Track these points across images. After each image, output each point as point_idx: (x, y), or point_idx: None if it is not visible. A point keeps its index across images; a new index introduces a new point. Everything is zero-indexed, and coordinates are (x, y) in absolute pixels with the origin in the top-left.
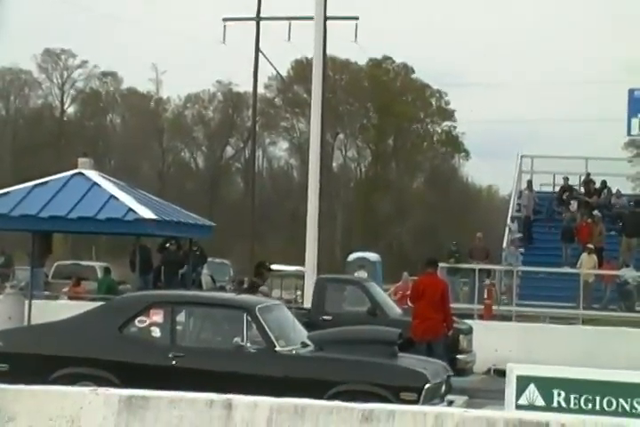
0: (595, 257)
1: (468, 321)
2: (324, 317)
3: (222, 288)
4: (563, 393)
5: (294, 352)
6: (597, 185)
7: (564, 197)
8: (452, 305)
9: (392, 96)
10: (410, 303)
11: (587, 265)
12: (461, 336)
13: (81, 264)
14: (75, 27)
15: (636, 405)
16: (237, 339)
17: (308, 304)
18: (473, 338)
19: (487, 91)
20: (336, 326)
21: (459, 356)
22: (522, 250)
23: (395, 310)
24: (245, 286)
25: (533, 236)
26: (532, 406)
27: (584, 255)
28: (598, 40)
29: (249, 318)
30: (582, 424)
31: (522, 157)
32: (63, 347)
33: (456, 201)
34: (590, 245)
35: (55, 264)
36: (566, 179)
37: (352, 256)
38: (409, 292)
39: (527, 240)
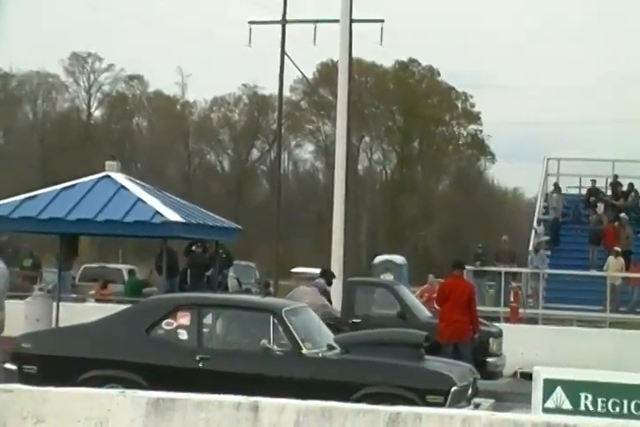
0: (622, 260)
1: (495, 324)
2: (354, 320)
3: (248, 291)
4: (590, 396)
5: (320, 355)
6: (625, 188)
7: (591, 199)
8: (479, 308)
9: (417, 99)
10: (436, 306)
11: (613, 268)
12: (491, 339)
13: (108, 267)
14: (101, 30)
15: None
16: (264, 341)
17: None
18: (503, 341)
19: (513, 93)
20: (365, 328)
21: (489, 359)
22: (548, 253)
23: (424, 312)
24: (271, 289)
25: (560, 239)
26: (559, 410)
27: (611, 258)
28: (623, 39)
29: (275, 321)
30: None
31: (548, 159)
32: (91, 349)
33: (482, 204)
34: (617, 248)
35: (82, 267)
36: (594, 181)
37: (378, 259)
38: (435, 294)
39: (554, 243)
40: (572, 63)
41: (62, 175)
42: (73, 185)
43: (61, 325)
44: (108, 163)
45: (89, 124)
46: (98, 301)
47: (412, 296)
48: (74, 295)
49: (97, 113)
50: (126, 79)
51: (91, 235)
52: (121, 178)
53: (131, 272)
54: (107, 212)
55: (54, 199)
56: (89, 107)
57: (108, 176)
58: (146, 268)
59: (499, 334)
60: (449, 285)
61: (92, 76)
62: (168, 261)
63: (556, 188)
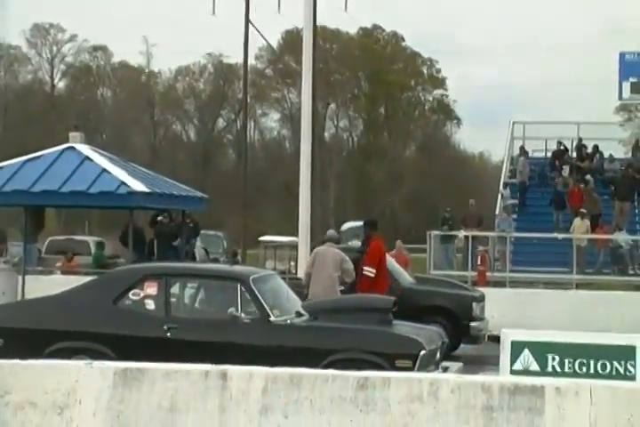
0: (587, 222)
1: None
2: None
3: (216, 260)
4: (557, 358)
5: (289, 322)
6: (589, 150)
7: (557, 162)
8: (448, 272)
9: (383, 65)
10: (371, 268)
11: (579, 230)
12: (474, 304)
13: (74, 239)
14: (63, 0)
15: (629, 367)
16: (232, 309)
17: (300, 274)
18: (485, 305)
19: (477, 57)
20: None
21: (472, 323)
22: (514, 216)
23: (407, 278)
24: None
25: (526, 202)
26: (526, 371)
27: (576, 220)
28: (587, 3)
29: (243, 289)
30: (577, 388)
31: (513, 123)
32: (57, 321)
33: (448, 168)
34: (583, 210)
35: (48, 239)
36: (559, 143)
37: (345, 226)
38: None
39: (521, 206)
40: (535, 25)
41: (26, 147)
42: (37, 157)
43: (27, 297)
44: (71, 134)
45: (52, 96)
46: (64, 273)
47: (393, 262)
48: (40, 268)
49: (60, 84)
50: (90, 50)
51: (56, 206)
52: (85, 149)
53: (99, 245)
54: (71, 183)
55: (18, 171)
56: (52, 78)
57: (72, 147)
58: (113, 240)
59: (481, 299)
60: (381, 246)
61: (54, 48)
62: (136, 233)
63: (522, 151)
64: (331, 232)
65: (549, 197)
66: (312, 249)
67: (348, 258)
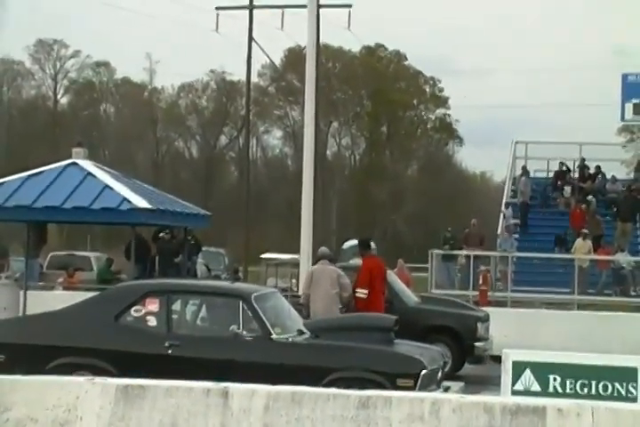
0: (589, 242)
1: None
2: (339, 306)
3: (217, 277)
4: (559, 378)
5: (290, 340)
6: (592, 170)
7: (559, 183)
8: (449, 292)
9: (385, 84)
10: (361, 289)
11: (581, 250)
12: (479, 324)
13: (76, 255)
14: (67, 17)
15: (631, 389)
16: (233, 327)
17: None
18: (490, 325)
19: (480, 78)
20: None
21: (476, 343)
22: (516, 236)
23: (412, 298)
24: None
25: (528, 222)
26: (527, 392)
27: (578, 240)
28: (588, 26)
29: (245, 306)
30: (578, 409)
31: (516, 142)
32: (59, 337)
33: (450, 188)
34: (585, 231)
35: (50, 255)
36: (562, 164)
37: (347, 244)
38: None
39: (523, 226)
40: (539, 47)
41: (29, 163)
42: (39, 172)
43: (29, 313)
44: (74, 150)
45: (56, 112)
46: (66, 289)
47: (399, 281)
48: (41, 284)
49: (63, 100)
50: (93, 66)
51: (58, 222)
52: (88, 165)
53: (107, 260)
54: (74, 199)
55: (21, 187)
56: (55, 94)
57: (75, 163)
58: (114, 255)
59: (486, 318)
60: (374, 264)
61: (57, 63)
62: (138, 248)
63: (524, 171)
64: (323, 249)
65: (551, 217)
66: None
67: (343, 273)
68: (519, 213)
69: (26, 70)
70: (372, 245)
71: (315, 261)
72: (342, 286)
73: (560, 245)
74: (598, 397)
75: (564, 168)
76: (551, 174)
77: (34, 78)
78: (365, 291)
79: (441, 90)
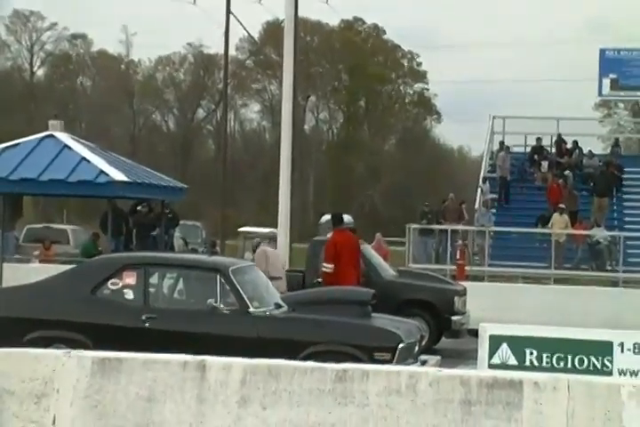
0: (566, 217)
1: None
2: (319, 279)
3: (194, 250)
4: (535, 352)
5: (268, 313)
6: (569, 145)
7: (536, 157)
8: (426, 266)
9: (363, 58)
10: (326, 264)
11: (558, 225)
12: (456, 298)
13: (52, 227)
14: None
15: (606, 362)
16: (211, 300)
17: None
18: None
19: (458, 52)
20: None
21: (453, 317)
22: (494, 211)
23: (389, 271)
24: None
25: (506, 197)
26: (504, 366)
27: (555, 215)
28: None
29: (222, 280)
30: (555, 383)
31: (493, 117)
32: (35, 310)
33: (428, 163)
34: (562, 206)
35: (26, 228)
36: (539, 139)
37: (324, 218)
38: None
39: (504, 201)
40: (516, 22)
41: (5, 135)
42: (15, 144)
43: (5, 286)
44: (51, 122)
45: (32, 84)
46: (42, 262)
47: (376, 255)
48: (17, 256)
49: (40, 72)
50: (69, 38)
51: (34, 195)
52: (65, 137)
53: (94, 235)
54: (50, 171)
55: None
56: (31, 66)
57: (52, 135)
58: (91, 228)
59: (463, 293)
60: (342, 238)
61: (34, 35)
62: (116, 221)
63: (501, 146)
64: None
65: (529, 191)
66: (255, 250)
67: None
68: (497, 187)
69: (1, 42)
70: (350, 219)
71: (257, 244)
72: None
73: (543, 224)
74: (574, 370)
75: (541, 144)
76: (529, 149)
77: (10, 50)
78: (330, 265)
79: (419, 64)
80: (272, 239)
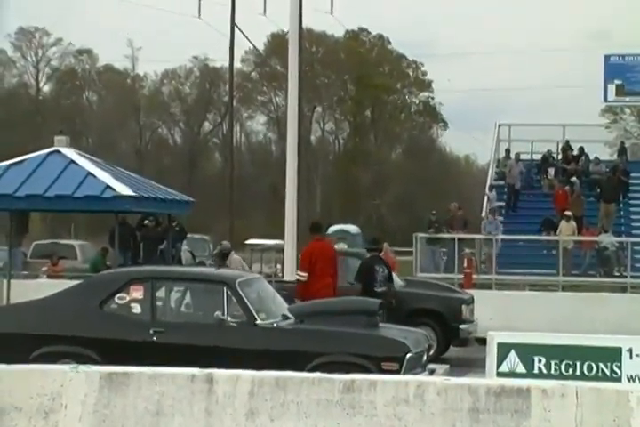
0: (573, 224)
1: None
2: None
3: (202, 264)
4: (543, 359)
5: (275, 325)
6: (575, 152)
7: (543, 165)
8: (434, 275)
9: (369, 68)
10: (300, 272)
11: (565, 232)
12: (463, 306)
13: (60, 243)
14: (48, 4)
15: (615, 369)
16: (218, 313)
17: (287, 278)
18: (474, 308)
19: (463, 61)
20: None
21: (461, 326)
22: (501, 218)
23: (396, 281)
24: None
25: (518, 204)
26: (513, 373)
27: (562, 222)
28: (569, 9)
29: (229, 292)
30: (563, 390)
31: (499, 125)
32: (43, 325)
33: (435, 171)
34: (568, 212)
35: (33, 244)
36: (549, 151)
37: (332, 229)
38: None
39: (513, 209)
40: (521, 30)
41: (11, 151)
42: (21, 161)
43: (13, 302)
44: (57, 138)
45: (38, 100)
46: (50, 277)
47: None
48: (25, 273)
49: (46, 88)
50: (75, 53)
51: (41, 211)
52: (70, 152)
53: (103, 250)
54: (56, 187)
55: (2, 175)
56: (37, 82)
57: (58, 151)
58: (99, 243)
59: (470, 301)
60: (317, 247)
61: (39, 51)
62: (124, 235)
63: (507, 154)
64: (224, 244)
65: (536, 199)
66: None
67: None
68: (504, 195)
69: (7, 58)
70: (357, 229)
71: (221, 254)
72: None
73: (548, 229)
74: (583, 377)
75: (549, 154)
76: (535, 156)
77: (15, 66)
78: (304, 274)
79: (424, 73)
80: (279, 251)
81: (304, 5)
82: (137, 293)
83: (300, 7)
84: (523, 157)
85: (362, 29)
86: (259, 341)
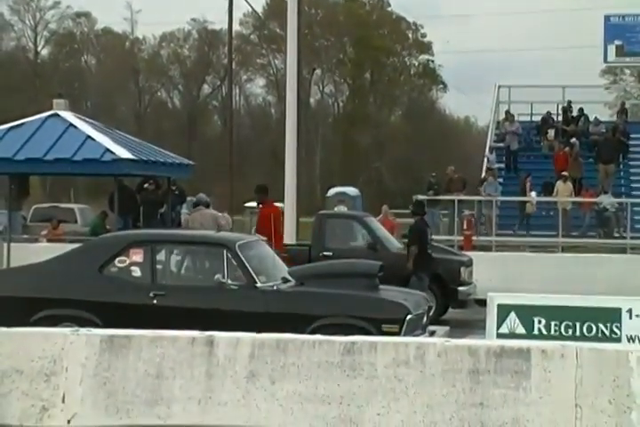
0: (570, 185)
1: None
2: (325, 253)
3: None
4: (543, 320)
5: (275, 288)
6: (575, 113)
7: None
8: (434, 237)
9: (368, 30)
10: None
11: (562, 193)
12: (462, 268)
13: (59, 207)
14: None
15: (615, 329)
16: (218, 276)
17: (287, 241)
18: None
19: (462, 23)
20: None
21: (460, 288)
22: (500, 180)
23: (395, 244)
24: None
25: (517, 166)
26: (513, 335)
27: (559, 183)
28: None
29: (229, 255)
30: (563, 350)
31: (499, 86)
32: (43, 289)
33: (434, 134)
34: (565, 173)
35: (33, 207)
36: (548, 113)
37: (331, 191)
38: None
39: (513, 170)
40: None
41: (10, 115)
42: (21, 124)
43: (13, 265)
44: (55, 101)
45: (36, 63)
46: (50, 241)
47: (382, 228)
48: (25, 236)
49: (44, 51)
50: (73, 16)
51: (40, 174)
52: (70, 116)
53: (102, 213)
54: (56, 150)
55: (2, 139)
56: (35, 45)
57: (57, 114)
58: (99, 207)
59: (469, 263)
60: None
61: (37, 14)
62: (124, 199)
63: (507, 116)
64: (200, 196)
65: (535, 160)
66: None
67: (220, 215)
68: (503, 157)
69: (5, 22)
70: (356, 191)
71: (193, 208)
72: (220, 227)
73: (548, 192)
74: (582, 338)
75: (550, 116)
76: (534, 118)
77: (13, 30)
78: (264, 238)
79: (423, 35)
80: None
81: None
82: (137, 256)
83: None
84: (522, 118)
85: None
86: (259, 303)
